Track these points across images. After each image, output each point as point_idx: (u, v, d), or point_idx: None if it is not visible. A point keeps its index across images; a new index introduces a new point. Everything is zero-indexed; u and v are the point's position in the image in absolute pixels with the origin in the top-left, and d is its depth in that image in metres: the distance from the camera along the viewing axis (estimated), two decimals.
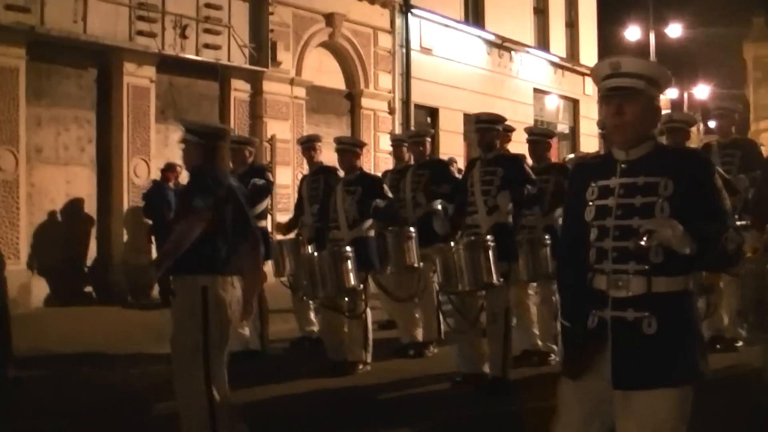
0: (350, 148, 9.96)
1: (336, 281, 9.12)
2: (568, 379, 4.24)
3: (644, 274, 4.00)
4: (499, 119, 9.08)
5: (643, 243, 3.83)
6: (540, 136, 10.43)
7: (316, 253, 9.46)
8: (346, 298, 9.42)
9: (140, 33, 15.84)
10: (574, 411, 4.22)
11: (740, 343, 9.99)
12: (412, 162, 11.04)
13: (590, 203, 4.19)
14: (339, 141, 10.12)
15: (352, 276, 9.14)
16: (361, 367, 9.46)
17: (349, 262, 9.15)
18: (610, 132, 4.24)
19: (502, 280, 8.33)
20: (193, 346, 6.08)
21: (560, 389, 4.29)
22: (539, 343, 9.71)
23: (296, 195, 12.65)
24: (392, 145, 12.52)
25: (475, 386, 8.42)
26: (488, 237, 8.29)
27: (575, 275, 4.27)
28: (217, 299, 6.09)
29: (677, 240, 3.81)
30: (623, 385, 4.01)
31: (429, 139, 11.01)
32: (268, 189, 10.59)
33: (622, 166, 4.16)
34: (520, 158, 9.25)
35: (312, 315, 11.06)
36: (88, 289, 15.24)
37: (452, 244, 8.59)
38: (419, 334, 10.55)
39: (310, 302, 10.69)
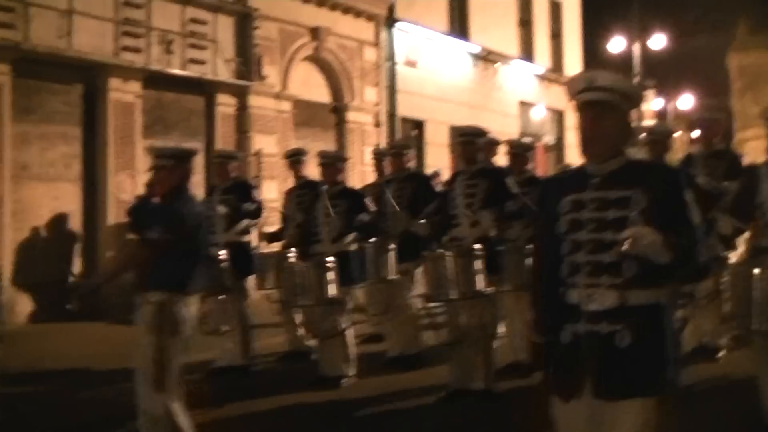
0: (333, 162, 10.00)
1: (317, 291, 9.16)
2: (558, 399, 4.27)
3: (618, 288, 4.04)
4: (481, 132, 9.10)
5: (624, 248, 3.87)
6: (520, 149, 10.49)
7: (297, 264, 9.48)
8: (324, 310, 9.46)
9: (126, 49, 15.86)
10: (569, 424, 4.25)
11: (722, 353, 10.03)
12: (393, 175, 11.07)
13: (563, 216, 4.23)
14: (322, 155, 10.15)
15: (333, 287, 9.17)
16: (344, 381, 9.44)
17: (330, 273, 9.18)
18: (583, 145, 4.28)
19: (491, 289, 8.39)
20: (150, 360, 6.25)
21: (553, 412, 4.33)
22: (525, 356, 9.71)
23: (282, 208, 12.65)
24: (374, 159, 12.56)
25: (462, 400, 8.40)
26: (476, 246, 8.32)
27: (548, 289, 4.31)
28: (173, 316, 6.29)
29: (656, 248, 3.87)
30: (601, 394, 4.07)
31: (410, 152, 11.05)
32: (258, 214, 10.68)
33: (595, 179, 4.20)
34: (503, 171, 9.29)
35: (299, 330, 11.04)
36: (71, 306, 15.17)
37: (440, 251, 8.57)
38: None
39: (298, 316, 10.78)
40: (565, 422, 4.27)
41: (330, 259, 9.25)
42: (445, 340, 8.72)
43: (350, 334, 9.62)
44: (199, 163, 17.16)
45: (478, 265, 8.20)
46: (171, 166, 6.65)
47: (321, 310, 9.46)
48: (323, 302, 9.27)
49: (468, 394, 8.45)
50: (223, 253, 9.77)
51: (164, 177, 6.70)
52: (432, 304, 8.80)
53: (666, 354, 4.10)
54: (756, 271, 6.31)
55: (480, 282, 8.20)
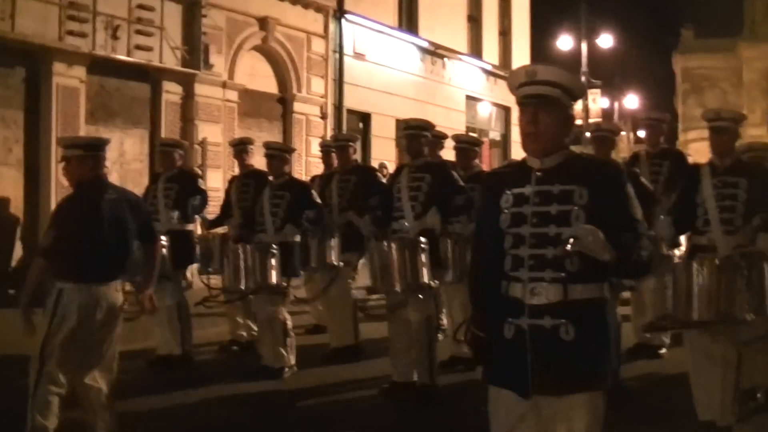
0: (279, 153, 9.94)
1: (259, 276, 9.12)
2: (493, 386, 4.27)
3: (561, 282, 4.03)
4: (427, 126, 9.08)
5: (568, 248, 3.87)
6: (467, 144, 10.47)
7: (241, 247, 9.40)
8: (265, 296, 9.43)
9: (70, 33, 15.63)
10: (504, 419, 4.23)
11: (664, 350, 10.13)
12: (337, 167, 11.07)
13: (505, 211, 4.20)
14: (268, 146, 10.09)
15: (274, 273, 9.14)
16: (285, 371, 9.42)
17: (273, 260, 9.14)
18: (525, 139, 4.26)
19: (437, 282, 8.39)
20: (39, 343, 6.34)
21: (489, 398, 4.31)
22: (466, 350, 9.70)
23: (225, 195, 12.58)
24: (321, 152, 12.53)
25: (404, 394, 8.39)
26: (421, 239, 8.28)
27: (486, 283, 4.30)
28: (67, 304, 6.30)
29: (598, 247, 3.87)
30: (541, 390, 4.05)
31: (353, 144, 11.05)
32: (203, 207, 10.59)
33: (537, 174, 4.18)
34: (448, 165, 9.28)
35: (241, 319, 11.00)
36: (13, 291, 14.99)
37: (384, 243, 8.53)
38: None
39: (240, 306, 10.72)
40: (501, 414, 4.26)
41: (274, 245, 9.21)
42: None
43: (289, 324, 9.57)
44: (142, 150, 17.08)
45: (423, 257, 8.18)
46: (80, 156, 6.62)
47: (262, 296, 9.44)
48: (265, 288, 9.23)
49: (409, 387, 8.45)
50: (163, 241, 9.67)
51: (73, 168, 6.66)
52: (374, 296, 8.78)
53: (609, 348, 4.13)
54: (695, 264, 6.39)
55: (425, 275, 8.19)
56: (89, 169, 6.61)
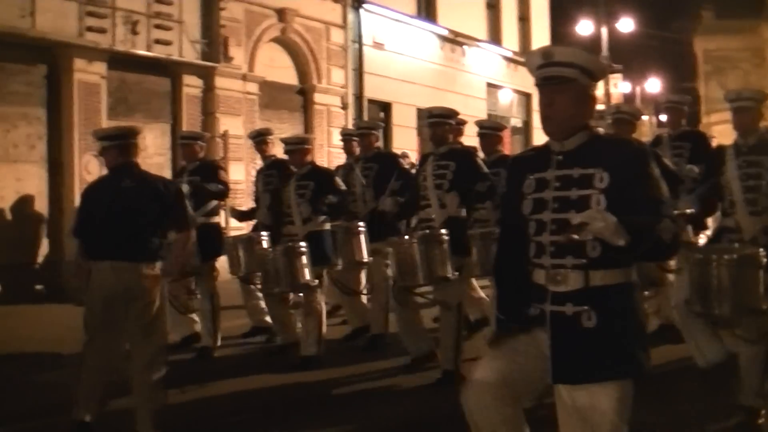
0: (298, 146, 9.92)
1: (290, 277, 9.11)
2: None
3: (582, 268, 3.97)
4: (451, 113, 9.06)
5: (575, 236, 3.79)
6: (490, 129, 10.47)
7: (270, 249, 9.43)
8: (300, 294, 9.45)
9: (90, 29, 15.68)
10: (498, 361, 4.22)
11: None
12: (360, 155, 11.07)
13: (527, 196, 4.15)
14: (286, 142, 10.04)
15: (306, 271, 9.14)
16: (316, 361, 9.43)
17: (303, 257, 9.14)
18: (543, 122, 4.19)
19: (456, 273, 8.36)
20: None
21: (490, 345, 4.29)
22: None
23: (252, 189, 12.66)
24: (342, 140, 12.53)
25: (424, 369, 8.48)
26: (442, 231, 8.28)
27: (512, 269, 4.27)
28: (93, 282, 6.75)
29: (610, 232, 3.74)
30: (563, 379, 4.01)
31: (376, 132, 11.06)
32: (224, 195, 10.66)
33: (558, 157, 4.12)
34: (472, 152, 9.28)
35: (263, 304, 10.99)
36: (40, 287, 15.08)
37: (406, 237, 8.59)
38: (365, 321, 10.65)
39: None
40: (495, 352, 4.27)
41: (302, 243, 9.22)
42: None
43: (324, 316, 9.61)
44: (164, 144, 17.13)
45: (443, 250, 8.19)
46: (105, 147, 6.99)
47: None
48: (297, 289, 9.28)
49: (428, 360, 8.74)
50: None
51: (103, 158, 7.13)
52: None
53: (635, 333, 4.04)
54: (714, 257, 6.32)
55: (444, 268, 8.20)
56: (114, 157, 6.92)
